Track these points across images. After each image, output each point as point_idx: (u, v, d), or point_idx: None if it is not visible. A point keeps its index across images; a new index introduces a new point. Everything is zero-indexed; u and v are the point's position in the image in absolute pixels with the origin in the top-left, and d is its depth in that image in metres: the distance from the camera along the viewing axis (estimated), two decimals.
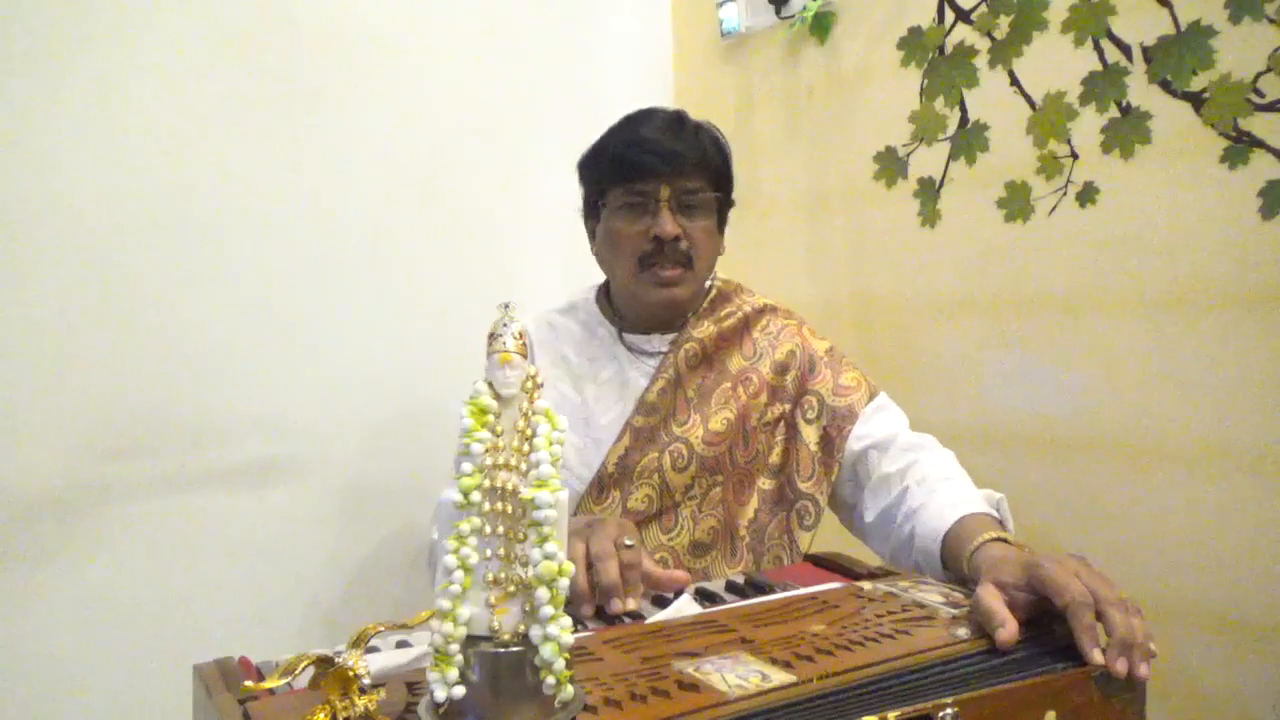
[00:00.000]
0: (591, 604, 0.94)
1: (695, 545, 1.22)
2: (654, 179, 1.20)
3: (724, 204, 1.29)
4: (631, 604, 0.94)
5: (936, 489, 1.11)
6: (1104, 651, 0.78)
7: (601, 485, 1.22)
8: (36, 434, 1.38)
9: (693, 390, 1.26)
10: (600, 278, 1.37)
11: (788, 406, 1.28)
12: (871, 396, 1.27)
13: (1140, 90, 1.36)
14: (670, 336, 1.29)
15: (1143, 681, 0.78)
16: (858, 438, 1.23)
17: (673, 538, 1.21)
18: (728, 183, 1.29)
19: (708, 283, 1.33)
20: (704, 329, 1.28)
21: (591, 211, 1.30)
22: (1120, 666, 0.76)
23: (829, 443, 1.24)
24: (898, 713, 0.67)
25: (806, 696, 0.68)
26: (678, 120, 1.25)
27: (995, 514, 1.06)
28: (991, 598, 0.82)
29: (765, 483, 1.26)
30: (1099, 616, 0.78)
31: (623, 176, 1.22)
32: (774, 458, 1.27)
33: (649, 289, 1.24)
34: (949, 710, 0.69)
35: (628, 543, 0.97)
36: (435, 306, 1.75)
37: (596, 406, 1.26)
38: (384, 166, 1.70)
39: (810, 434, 1.25)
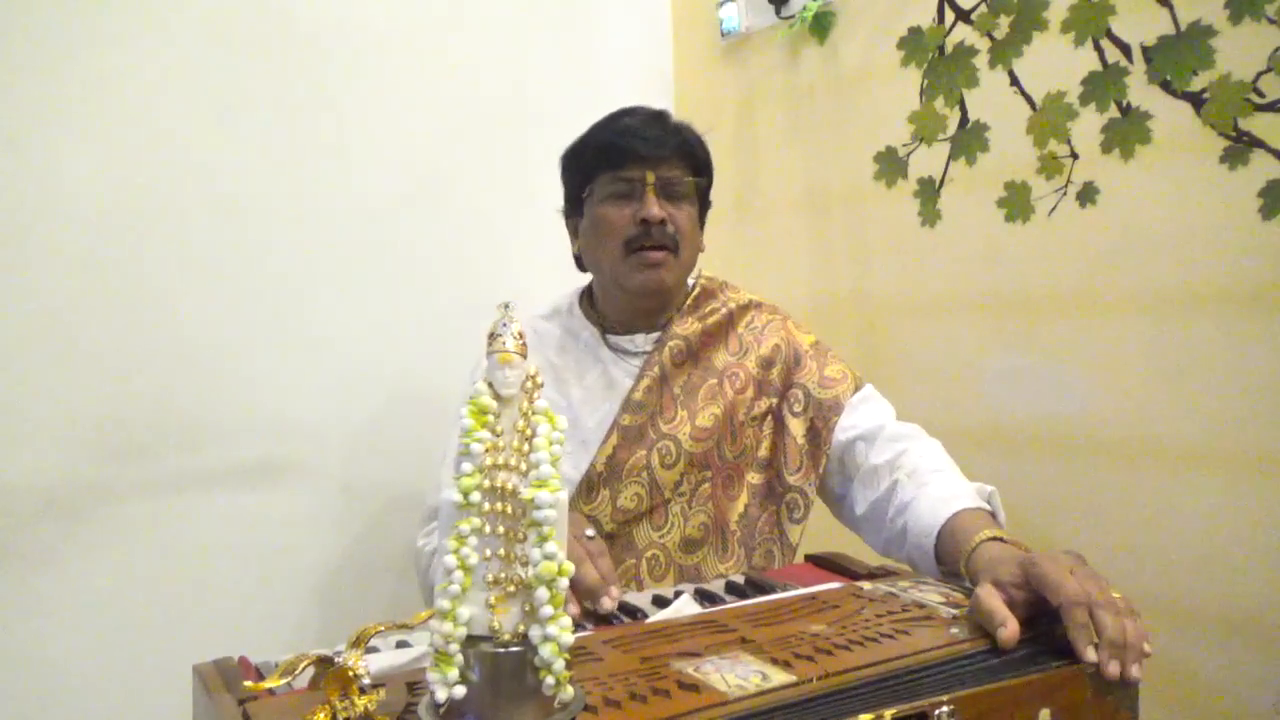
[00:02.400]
0: (575, 604, 0.93)
1: (686, 542, 1.22)
2: (640, 165, 1.23)
3: (705, 194, 1.31)
4: (616, 592, 0.94)
5: (927, 482, 1.12)
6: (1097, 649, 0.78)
7: (591, 484, 1.22)
8: (36, 434, 1.38)
9: (679, 387, 1.26)
10: (585, 281, 1.38)
11: (774, 400, 1.28)
12: (857, 388, 1.28)
13: (1140, 90, 1.36)
14: (654, 335, 1.29)
15: (1135, 682, 0.78)
16: (844, 429, 1.24)
17: (663, 535, 1.22)
18: (708, 173, 1.31)
19: (691, 280, 1.34)
20: (688, 326, 1.29)
21: (575, 207, 1.31)
22: (1113, 669, 0.76)
23: (816, 435, 1.25)
24: (894, 710, 0.67)
25: (806, 696, 0.68)
26: (660, 115, 1.29)
27: (988, 507, 1.06)
28: (991, 598, 0.82)
29: (754, 477, 1.27)
30: (1090, 617, 0.78)
31: (610, 164, 1.24)
32: (762, 452, 1.27)
33: (635, 272, 1.24)
34: (945, 708, 0.69)
35: (589, 533, 0.98)
36: (435, 307, 1.75)
37: (583, 409, 1.26)
38: (384, 167, 1.70)
39: (797, 427, 1.26)
